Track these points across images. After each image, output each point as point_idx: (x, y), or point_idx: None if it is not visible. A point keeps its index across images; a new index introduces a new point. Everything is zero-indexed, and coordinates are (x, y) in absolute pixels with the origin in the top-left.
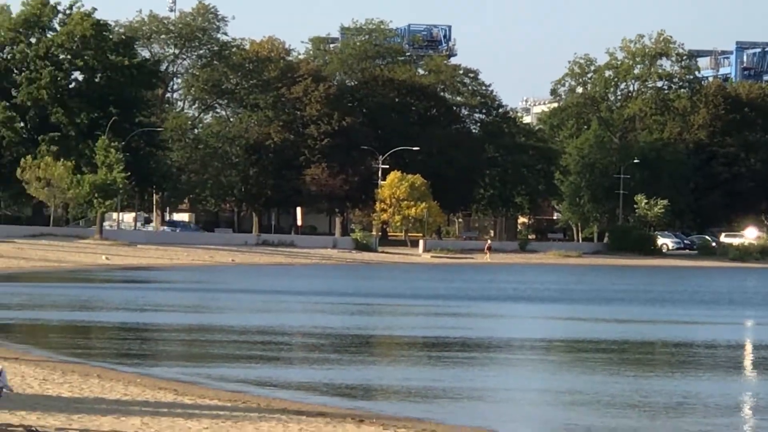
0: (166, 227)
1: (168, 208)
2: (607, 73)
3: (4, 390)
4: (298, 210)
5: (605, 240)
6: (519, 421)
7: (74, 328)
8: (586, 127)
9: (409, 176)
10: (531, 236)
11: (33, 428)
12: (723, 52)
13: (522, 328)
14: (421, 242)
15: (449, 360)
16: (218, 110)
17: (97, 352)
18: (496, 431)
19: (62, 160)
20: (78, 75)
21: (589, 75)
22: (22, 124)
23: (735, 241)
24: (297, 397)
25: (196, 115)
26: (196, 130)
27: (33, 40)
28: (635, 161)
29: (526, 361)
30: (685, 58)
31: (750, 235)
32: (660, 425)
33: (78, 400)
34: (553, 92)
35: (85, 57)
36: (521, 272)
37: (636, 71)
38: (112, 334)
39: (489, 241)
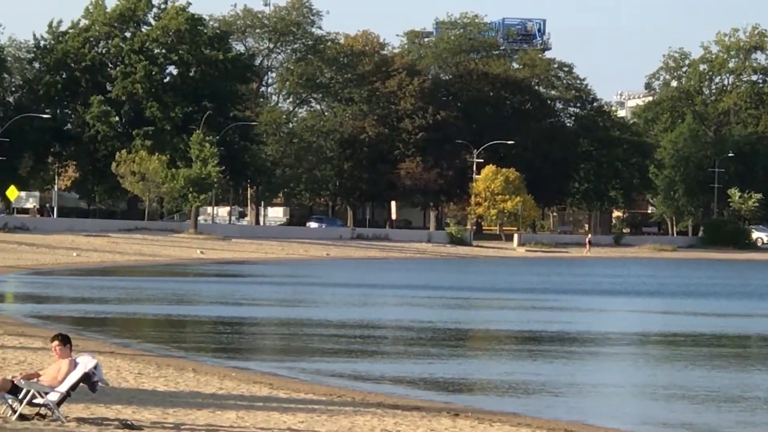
0: (313, 223)
1: (262, 202)
2: (702, 66)
3: (100, 384)
4: (393, 204)
5: (700, 234)
6: (616, 416)
7: (169, 322)
8: (680, 120)
9: (504, 170)
10: (625, 230)
11: (128, 422)
12: None
13: (618, 321)
14: (515, 236)
15: (545, 354)
16: (313, 104)
17: (193, 346)
18: (593, 426)
19: (157, 154)
20: (172, 69)
21: (684, 69)
22: (117, 119)
23: None
24: (392, 391)
25: (291, 109)
26: (290, 124)
27: (128, 35)
28: (729, 155)
29: (623, 355)
30: None
31: None
32: (759, 420)
33: (173, 394)
34: (648, 86)
35: (180, 51)
36: (616, 266)
37: (730, 65)
38: (208, 328)
39: (589, 235)
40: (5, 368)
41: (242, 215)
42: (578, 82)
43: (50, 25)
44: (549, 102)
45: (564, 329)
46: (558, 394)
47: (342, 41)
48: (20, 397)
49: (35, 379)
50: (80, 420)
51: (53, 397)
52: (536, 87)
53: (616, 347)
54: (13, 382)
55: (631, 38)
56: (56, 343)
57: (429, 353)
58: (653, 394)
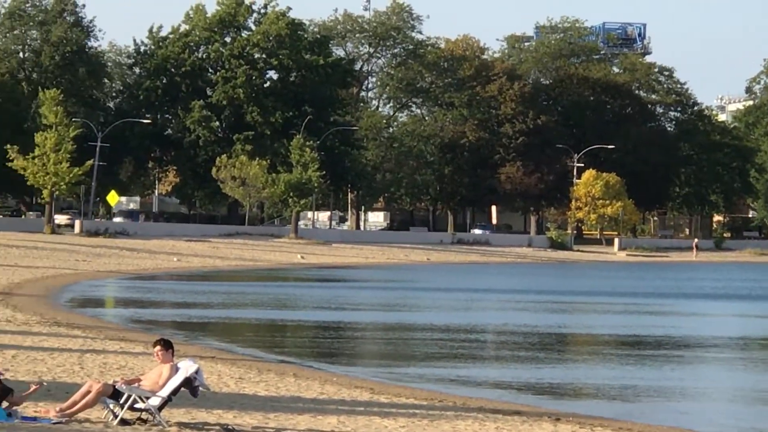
0: (476, 230)
1: (363, 207)
2: None
3: (201, 388)
4: (493, 208)
5: None
6: (719, 421)
7: (271, 327)
8: None
9: (604, 174)
10: (726, 234)
11: (230, 427)
12: None
13: (722, 326)
14: (616, 240)
15: (649, 358)
16: (413, 109)
17: (294, 350)
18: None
19: (257, 159)
20: (273, 74)
21: None
22: (217, 123)
23: None
24: (494, 396)
25: (391, 113)
26: (390, 129)
27: (228, 40)
28: None
29: (726, 360)
30: None
31: None
32: None
33: (274, 399)
34: (749, 90)
35: (280, 56)
36: (718, 270)
37: None
38: (309, 333)
39: (696, 240)
40: (106, 373)
41: (342, 220)
42: (679, 86)
43: (150, 31)
44: (649, 106)
45: (668, 333)
46: (661, 399)
47: (442, 46)
48: (122, 401)
49: (136, 384)
50: (181, 425)
51: (154, 401)
52: (637, 91)
53: (718, 351)
54: (114, 386)
55: (732, 42)
56: (158, 348)
57: (531, 358)
58: (756, 399)
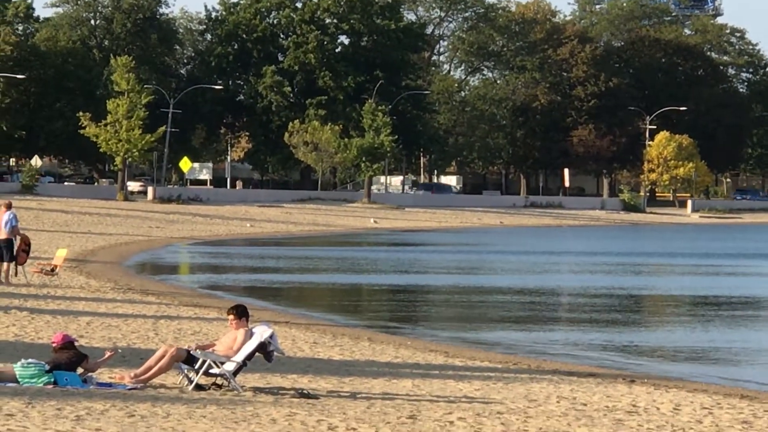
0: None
1: (435, 171)
2: None
3: (276, 353)
4: (566, 171)
5: None
6: None
7: (345, 291)
8: None
9: (677, 136)
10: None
11: (305, 391)
12: None
13: None
14: (689, 202)
15: (723, 319)
16: (484, 72)
17: (368, 315)
18: None
19: (330, 124)
20: (344, 39)
21: None
22: (289, 89)
23: None
24: (568, 359)
25: (463, 77)
26: (462, 93)
27: (299, 5)
28: None
29: None
30: None
31: None
32: None
33: (349, 363)
34: None
35: (351, 21)
36: None
37: None
38: (383, 297)
39: None
40: (181, 339)
41: (415, 184)
42: (750, 47)
43: None
44: (721, 68)
45: (745, 294)
46: (736, 360)
47: (513, 9)
48: (196, 367)
49: (210, 350)
50: (256, 389)
51: (229, 367)
52: (708, 53)
53: None
54: (189, 352)
55: None
56: (231, 316)
57: (606, 320)
58: None
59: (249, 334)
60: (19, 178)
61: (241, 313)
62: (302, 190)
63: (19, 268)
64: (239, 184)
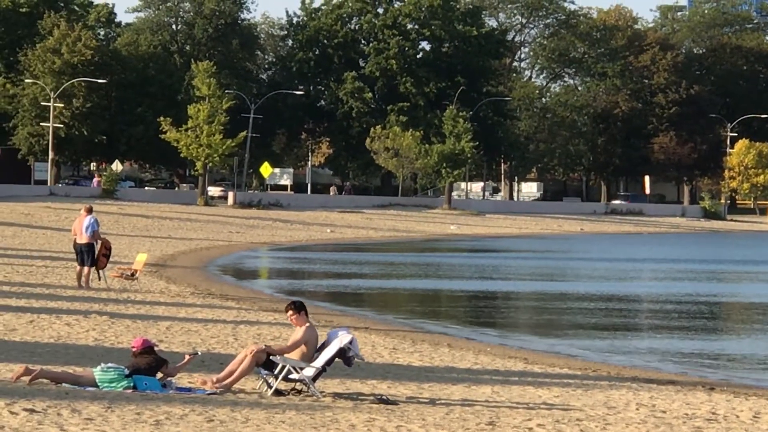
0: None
1: (516, 178)
2: None
3: (356, 359)
4: (647, 178)
5: None
6: None
7: (425, 297)
8: None
9: (758, 144)
10: None
11: (384, 397)
12: None
13: None
14: None
15: None
16: (566, 79)
17: (448, 320)
18: None
19: (410, 129)
20: (425, 45)
21: None
22: (370, 95)
23: None
24: (648, 366)
25: (544, 84)
26: (543, 99)
27: (380, 11)
28: None
29: None
30: None
31: None
32: None
33: (428, 369)
34: None
35: (433, 27)
36: None
37: None
38: (463, 303)
39: None
40: (260, 344)
41: (496, 190)
42: None
43: (303, 2)
44: None
45: None
46: None
47: (595, 16)
48: (276, 372)
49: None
50: (336, 395)
51: (309, 372)
52: None
53: None
54: (268, 356)
55: None
56: (290, 312)
57: (686, 327)
58: None
59: (310, 329)
60: (91, 183)
61: (299, 307)
62: (383, 195)
63: (100, 272)
64: (333, 190)
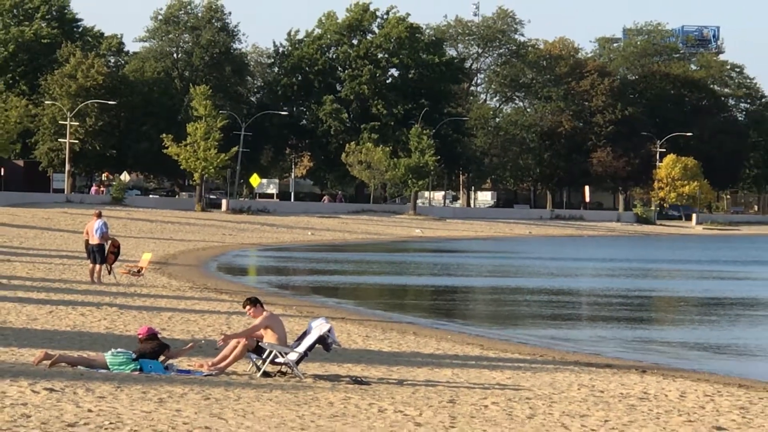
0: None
1: (473, 187)
2: None
3: (333, 345)
4: (586, 188)
5: None
6: None
7: (392, 291)
8: None
9: (683, 158)
10: None
11: (358, 378)
12: None
13: None
14: (694, 216)
15: (724, 317)
16: (516, 101)
17: (413, 311)
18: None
19: (381, 145)
20: (394, 71)
21: None
22: (346, 115)
23: None
24: (588, 351)
25: (497, 105)
26: (496, 119)
27: (355, 42)
28: None
29: None
30: None
31: None
32: None
33: (396, 354)
34: None
35: (400, 56)
36: None
37: None
38: (426, 296)
39: None
40: (227, 333)
41: (455, 198)
42: (748, 81)
43: (289, 34)
44: (722, 99)
45: (744, 295)
46: (736, 353)
47: (541, 46)
48: (264, 356)
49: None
50: (316, 376)
51: (293, 357)
52: (711, 85)
53: None
54: (258, 342)
55: None
56: (248, 307)
57: (621, 317)
58: None
59: (268, 317)
60: (109, 192)
61: (253, 302)
62: (357, 203)
63: (110, 269)
64: (326, 198)
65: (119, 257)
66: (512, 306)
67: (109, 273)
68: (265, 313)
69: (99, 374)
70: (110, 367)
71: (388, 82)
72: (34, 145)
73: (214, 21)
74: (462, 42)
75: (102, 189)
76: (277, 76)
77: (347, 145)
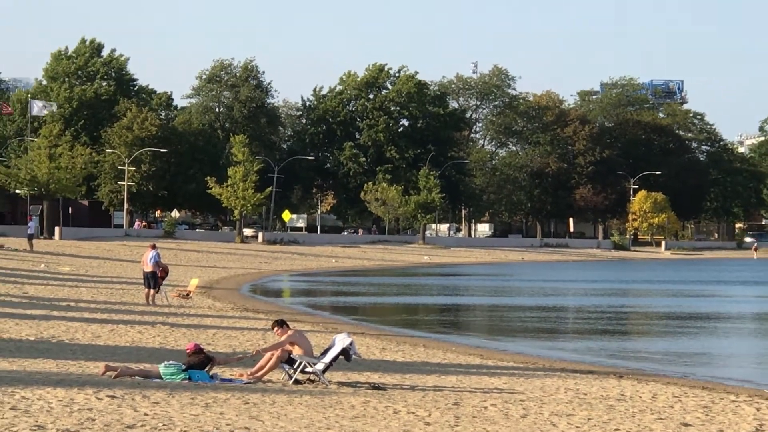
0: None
1: (473, 220)
2: None
3: (354, 356)
4: (570, 220)
5: None
6: (747, 377)
7: (406, 308)
8: None
9: (653, 193)
10: (746, 237)
11: (376, 384)
12: None
13: (737, 304)
14: (663, 243)
15: (690, 329)
16: (509, 146)
17: (423, 326)
18: (726, 384)
19: (394, 185)
20: (405, 121)
21: None
22: (364, 159)
23: None
24: (573, 359)
25: (493, 150)
26: (493, 161)
27: (371, 96)
28: None
29: (749, 330)
30: None
31: None
32: None
33: (408, 364)
34: (761, 129)
35: (410, 108)
36: (740, 265)
37: None
38: (434, 313)
39: (755, 243)
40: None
41: (458, 230)
42: (708, 126)
43: (314, 90)
44: (686, 142)
45: (707, 310)
46: (700, 361)
47: (531, 99)
48: (295, 366)
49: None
50: (340, 383)
51: (320, 366)
52: (677, 131)
53: (747, 323)
54: (289, 354)
55: (749, 92)
56: (275, 328)
57: (602, 330)
58: None
59: (295, 333)
60: (162, 227)
61: (280, 323)
62: (373, 234)
63: (163, 294)
64: (361, 231)
65: (171, 283)
66: (507, 321)
67: (157, 291)
68: (289, 331)
69: (154, 383)
70: (163, 376)
71: (399, 130)
72: (97, 187)
73: (250, 79)
74: (463, 95)
75: (143, 223)
76: (304, 126)
77: (365, 185)
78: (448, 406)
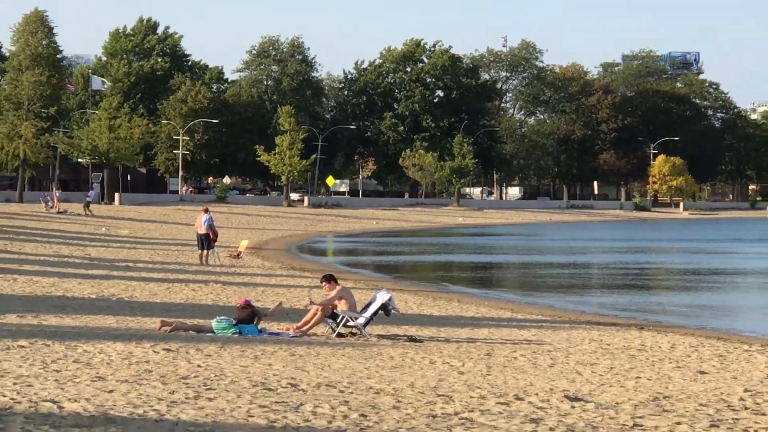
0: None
1: (504, 184)
2: None
3: (393, 311)
4: (595, 183)
5: None
6: (757, 328)
7: (441, 266)
8: None
9: (672, 158)
10: (759, 198)
11: (413, 337)
12: None
13: (752, 260)
14: (681, 204)
15: (706, 284)
16: (538, 115)
17: (457, 282)
18: (741, 335)
19: (430, 152)
20: (440, 92)
21: None
22: (402, 128)
23: None
24: (597, 312)
25: (522, 118)
26: (522, 129)
27: (409, 69)
28: None
29: (760, 285)
30: None
31: None
32: None
33: (444, 317)
34: None
35: (445, 80)
36: (754, 223)
37: None
38: (468, 270)
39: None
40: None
41: (490, 193)
42: (723, 95)
43: (356, 64)
44: (702, 110)
45: (722, 266)
46: (715, 313)
47: (557, 70)
48: (338, 321)
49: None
50: (380, 336)
51: (361, 321)
52: (693, 100)
53: (761, 279)
54: (333, 310)
55: (763, 62)
56: (324, 283)
57: (625, 285)
58: None
59: (342, 289)
60: (214, 192)
61: (328, 278)
62: (411, 197)
63: (215, 254)
64: (407, 194)
65: (223, 244)
66: (536, 278)
67: (210, 252)
68: (338, 287)
69: (206, 337)
70: (215, 331)
71: (435, 100)
72: (154, 155)
73: (296, 54)
74: (494, 68)
75: (191, 188)
76: (346, 98)
77: (403, 151)
78: (480, 356)
